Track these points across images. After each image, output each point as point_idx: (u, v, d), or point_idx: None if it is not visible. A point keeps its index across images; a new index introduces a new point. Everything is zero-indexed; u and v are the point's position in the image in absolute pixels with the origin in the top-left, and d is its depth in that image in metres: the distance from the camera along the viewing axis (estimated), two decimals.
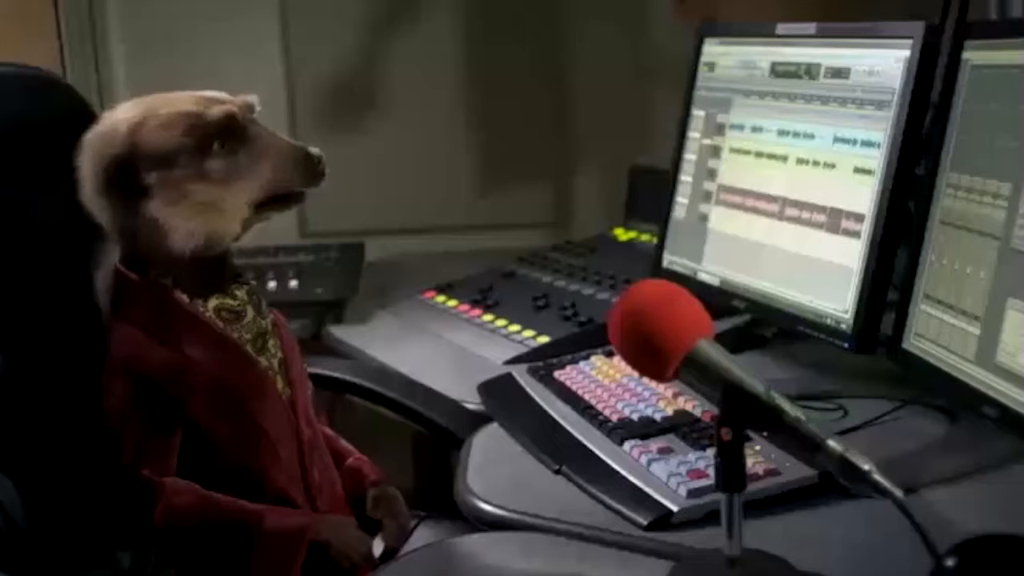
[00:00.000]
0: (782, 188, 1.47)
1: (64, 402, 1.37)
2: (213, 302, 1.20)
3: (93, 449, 1.36)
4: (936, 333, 1.22)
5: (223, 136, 1.17)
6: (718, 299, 1.51)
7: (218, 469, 1.17)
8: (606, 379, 1.39)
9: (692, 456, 1.15)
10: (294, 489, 1.20)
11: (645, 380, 1.34)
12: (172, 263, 1.19)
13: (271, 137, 1.20)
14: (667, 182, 1.69)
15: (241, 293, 1.23)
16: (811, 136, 1.43)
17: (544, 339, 1.67)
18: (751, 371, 0.91)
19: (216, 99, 1.20)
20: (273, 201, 1.21)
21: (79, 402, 1.37)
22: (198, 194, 1.16)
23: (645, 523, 1.07)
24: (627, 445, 1.20)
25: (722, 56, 1.62)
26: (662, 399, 1.30)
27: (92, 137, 1.20)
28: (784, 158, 1.47)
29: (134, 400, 1.17)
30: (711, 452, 1.14)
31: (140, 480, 1.15)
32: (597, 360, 1.46)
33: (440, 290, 1.96)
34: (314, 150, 1.20)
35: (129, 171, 1.16)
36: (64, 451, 1.37)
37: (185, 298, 1.19)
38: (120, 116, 1.20)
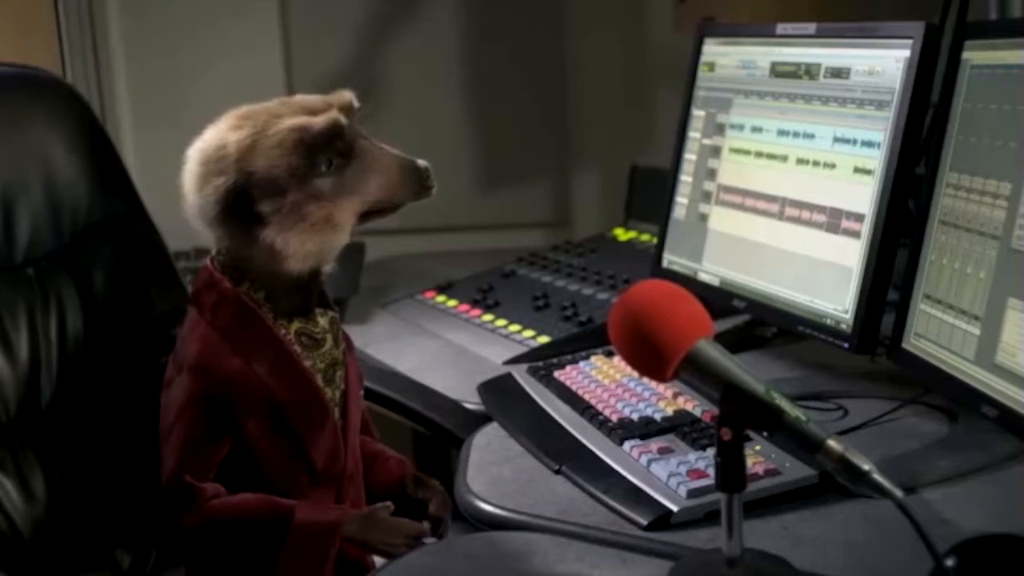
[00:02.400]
0: (782, 188, 1.47)
1: (90, 396, 1.38)
2: (296, 325, 1.18)
3: (118, 446, 1.37)
4: (936, 333, 1.22)
5: (330, 152, 1.14)
6: (718, 299, 1.51)
7: (252, 486, 1.16)
8: (606, 379, 1.39)
9: (692, 456, 1.15)
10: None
11: (645, 380, 1.34)
12: (274, 282, 1.17)
13: (378, 149, 1.18)
14: (667, 182, 1.69)
15: (324, 321, 1.21)
16: (811, 136, 1.43)
17: (544, 339, 1.67)
18: (751, 371, 0.91)
19: (317, 106, 1.16)
20: (375, 211, 1.19)
21: (105, 397, 1.37)
22: (312, 215, 1.14)
23: (645, 523, 1.07)
24: (627, 445, 1.20)
25: (722, 56, 1.62)
26: (662, 399, 1.30)
27: (200, 157, 1.16)
28: (784, 158, 1.47)
29: (196, 402, 1.15)
30: (711, 452, 1.14)
31: (181, 483, 1.14)
32: (597, 360, 1.46)
33: (440, 290, 1.96)
34: (422, 163, 1.18)
35: (244, 199, 1.13)
36: (89, 447, 1.37)
37: (271, 316, 1.17)
38: (227, 137, 1.15)
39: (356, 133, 1.17)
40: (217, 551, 1.18)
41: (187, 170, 1.16)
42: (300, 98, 1.19)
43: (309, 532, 1.14)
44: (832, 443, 0.86)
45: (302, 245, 1.15)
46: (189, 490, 1.14)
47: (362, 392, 1.28)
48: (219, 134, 1.16)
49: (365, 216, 1.19)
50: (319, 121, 1.14)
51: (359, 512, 1.18)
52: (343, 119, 1.15)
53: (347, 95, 1.19)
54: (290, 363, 1.16)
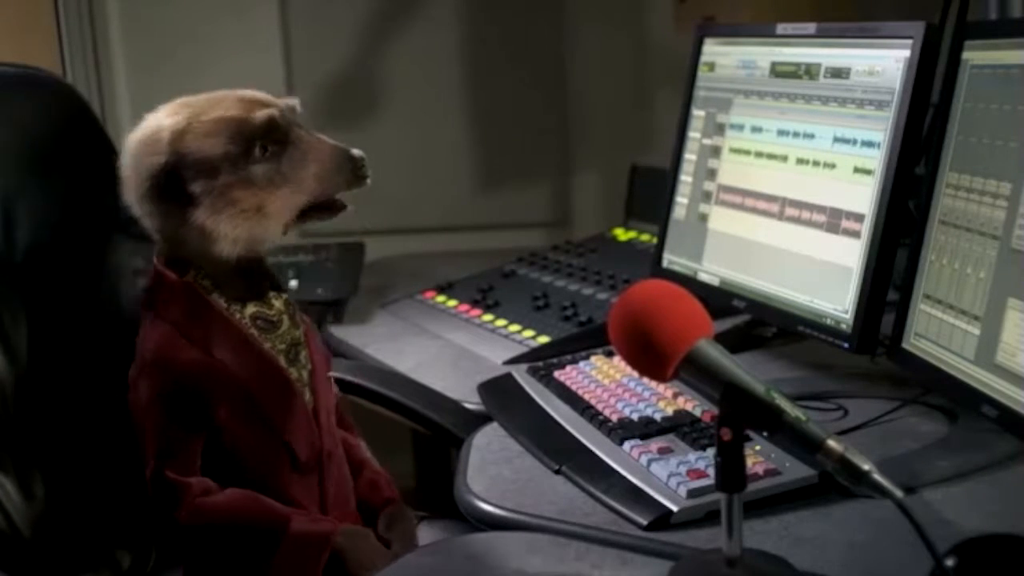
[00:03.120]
0: (782, 188, 1.47)
1: (90, 397, 1.38)
2: (250, 309, 1.20)
3: (117, 446, 1.37)
4: (936, 333, 1.22)
5: (266, 140, 1.16)
6: (718, 299, 1.51)
7: (234, 476, 1.17)
8: (606, 379, 1.39)
9: (692, 456, 1.15)
10: (308, 501, 1.20)
11: (645, 380, 1.34)
12: (214, 267, 1.19)
13: (313, 139, 1.19)
14: (667, 182, 1.69)
15: (279, 303, 1.23)
16: (811, 136, 1.43)
17: (544, 339, 1.67)
18: (751, 371, 0.91)
19: (259, 101, 1.19)
20: (316, 209, 1.21)
21: (105, 397, 1.37)
22: (243, 201, 1.16)
23: (645, 523, 1.07)
24: (627, 445, 1.20)
25: (722, 56, 1.62)
26: (662, 399, 1.30)
27: (136, 142, 1.19)
28: (784, 158, 1.47)
29: (161, 398, 1.17)
30: (711, 452, 1.14)
31: (164, 480, 1.15)
32: (597, 360, 1.46)
33: (440, 290, 1.96)
34: (356, 152, 1.20)
35: (175, 180, 1.15)
36: (89, 447, 1.37)
37: (223, 303, 1.19)
38: (164, 121, 1.18)
39: (293, 123, 1.19)
40: (210, 552, 1.19)
41: (123, 154, 1.20)
42: (245, 92, 1.21)
43: (303, 542, 1.15)
44: (832, 443, 0.86)
45: (232, 229, 1.16)
46: (173, 486, 1.15)
47: (331, 376, 1.29)
48: (156, 120, 1.19)
49: (306, 214, 1.20)
50: (259, 115, 1.17)
51: (351, 527, 1.20)
52: (280, 115, 1.18)
53: (292, 100, 1.22)
54: (248, 346, 1.18)
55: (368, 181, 1.20)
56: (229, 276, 1.20)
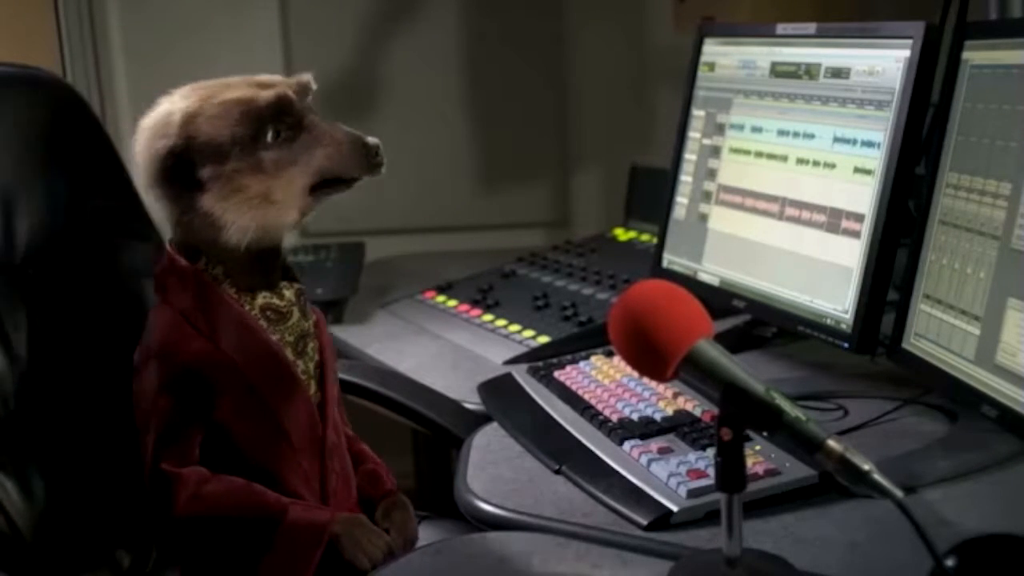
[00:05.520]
0: (782, 188, 1.47)
1: (90, 396, 1.38)
2: (260, 300, 1.18)
3: (117, 445, 1.37)
4: (936, 333, 1.22)
5: (276, 122, 1.15)
6: (718, 299, 1.51)
7: (235, 466, 1.16)
8: (606, 379, 1.39)
9: (692, 456, 1.15)
10: (309, 493, 1.19)
11: (645, 380, 1.34)
12: (225, 255, 1.17)
13: (326, 125, 1.17)
14: (667, 182, 1.69)
15: (289, 293, 1.21)
16: (811, 136, 1.43)
17: (544, 339, 1.67)
18: (751, 371, 0.91)
19: (269, 81, 1.18)
20: (328, 184, 1.18)
21: (105, 396, 1.37)
22: (252, 188, 1.14)
23: (645, 523, 1.07)
24: (627, 445, 1.20)
25: (722, 56, 1.62)
26: (662, 399, 1.30)
27: (147, 125, 1.17)
28: (784, 158, 1.47)
29: (164, 386, 1.16)
30: (711, 452, 1.14)
31: (159, 473, 1.14)
32: (597, 360, 1.46)
33: (440, 290, 1.96)
34: (371, 140, 1.17)
35: (184, 164, 1.14)
36: (89, 447, 1.37)
37: (233, 292, 1.17)
38: (175, 104, 1.17)
39: (306, 109, 1.18)
40: (206, 542, 1.18)
41: (136, 138, 1.18)
42: (258, 76, 1.20)
43: (299, 530, 1.14)
44: (832, 443, 0.86)
45: (239, 217, 1.15)
46: (168, 478, 1.14)
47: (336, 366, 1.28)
48: (168, 103, 1.18)
49: (316, 191, 1.18)
50: (266, 94, 1.15)
51: (348, 514, 1.19)
52: (292, 94, 1.16)
53: (305, 76, 1.21)
54: (255, 338, 1.16)
55: (383, 169, 1.18)
56: (241, 264, 1.18)
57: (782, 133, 1.48)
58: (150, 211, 1.21)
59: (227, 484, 1.15)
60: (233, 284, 1.18)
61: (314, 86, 1.20)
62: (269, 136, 1.14)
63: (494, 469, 1.25)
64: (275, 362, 1.18)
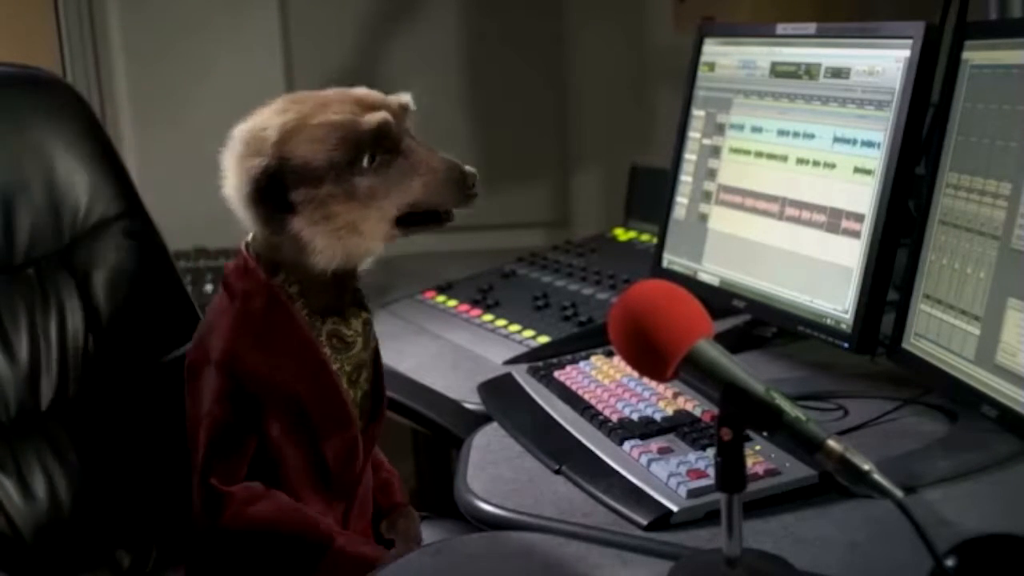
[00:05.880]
0: (782, 188, 1.47)
1: (90, 396, 1.38)
2: (329, 325, 1.17)
3: (117, 445, 1.36)
4: (936, 333, 1.22)
5: (375, 148, 1.11)
6: (718, 299, 1.51)
7: (268, 482, 1.15)
8: (606, 379, 1.39)
9: (692, 456, 1.15)
10: (331, 515, 1.18)
11: (645, 380, 1.34)
12: (305, 276, 1.15)
13: (424, 151, 1.14)
14: (667, 182, 1.69)
15: (357, 323, 1.19)
16: (811, 136, 1.43)
17: (544, 339, 1.67)
18: (751, 371, 0.91)
19: (370, 101, 1.13)
20: (420, 221, 1.16)
21: (105, 396, 1.37)
22: (342, 216, 1.11)
23: (645, 523, 1.07)
24: (627, 445, 1.20)
25: (722, 56, 1.62)
26: (662, 399, 1.30)
27: (240, 138, 1.14)
28: (784, 158, 1.47)
29: (223, 396, 1.13)
30: (711, 452, 1.14)
31: (208, 487, 1.13)
32: (597, 360, 1.46)
33: (440, 290, 1.96)
34: (469, 168, 1.15)
35: (277, 185, 1.10)
36: (89, 447, 1.37)
37: (304, 315, 1.15)
38: (270, 120, 1.12)
39: (404, 133, 1.14)
40: (248, 559, 1.16)
41: (228, 148, 1.14)
42: (357, 91, 1.16)
43: (346, 560, 1.13)
44: (832, 443, 0.86)
45: (327, 245, 1.12)
46: (218, 495, 1.12)
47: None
48: (264, 116, 1.14)
49: (407, 223, 1.15)
50: (369, 120, 1.11)
51: (397, 552, 1.18)
52: (391, 119, 1.12)
53: (404, 97, 1.17)
54: (318, 366, 1.15)
55: (475, 200, 1.16)
56: (317, 286, 1.15)
57: (782, 133, 1.48)
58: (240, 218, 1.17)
59: (276, 505, 1.13)
60: (306, 305, 1.16)
61: (413, 107, 1.17)
62: (365, 161, 1.11)
63: (494, 469, 1.25)
64: (333, 394, 1.16)
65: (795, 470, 1.11)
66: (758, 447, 1.15)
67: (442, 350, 1.73)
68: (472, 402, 1.49)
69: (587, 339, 1.62)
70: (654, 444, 1.19)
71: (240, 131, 1.14)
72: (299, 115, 1.12)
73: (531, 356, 1.61)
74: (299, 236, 1.12)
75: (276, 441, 1.14)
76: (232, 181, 1.14)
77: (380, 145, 1.11)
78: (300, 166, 1.10)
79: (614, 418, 1.27)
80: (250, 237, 1.18)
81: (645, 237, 2.03)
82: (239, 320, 1.15)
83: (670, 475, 1.11)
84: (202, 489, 1.13)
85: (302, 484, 1.16)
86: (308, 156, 1.10)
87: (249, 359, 1.13)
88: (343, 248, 1.13)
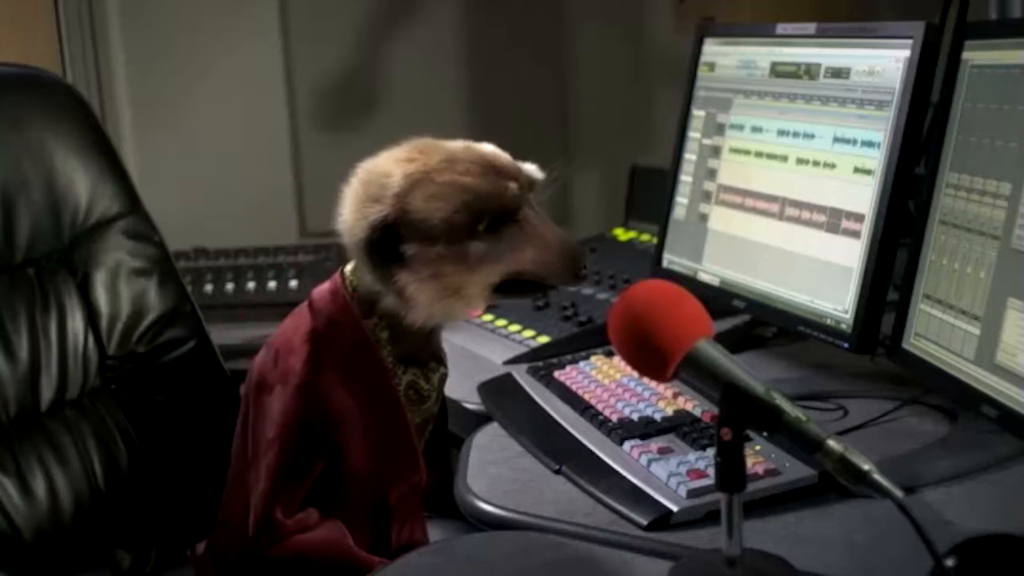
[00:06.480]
0: (782, 188, 1.47)
1: (90, 396, 1.38)
2: (408, 376, 1.17)
3: (117, 445, 1.36)
4: (936, 333, 1.22)
5: (494, 216, 1.10)
6: (718, 299, 1.51)
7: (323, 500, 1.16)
8: (606, 379, 1.39)
9: (692, 456, 1.15)
10: (361, 542, 1.19)
11: (645, 380, 1.34)
12: (398, 325, 1.15)
13: (538, 221, 1.12)
14: (667, 182, 1.69)
15: (435, 377, 1.20)
16: (811, 136, 1.43)
17: (544, 339, 1.67)
18: (751, 371, 0.91)
19: (498, 167, 1.12)
20: (521, 290, 1.15)
21: (105, 396, 1.37)
22: (449, 278, 1.10)
23: (645, 523, 1.07)
24: (627, 445, 1.20)
25: (722, 56, 1.62)
26: (662, 399, 1.30)
27: (363, 177, 1.13)
28: (784, 158, 1.47)
29: (295, 425, 1.13)
30: (711, 452, 1.14)
31: (271, 520, 1.13)
32: (597, 360, 1.46)
33: None
34: (581, 248, 1.15)
35: (392, 235, 1.09)
36: (89, 447, 1.37)
37: (389, 362, 1.16)
38: (396, 168, 1.11)
39: (525, 202, 1.12)
40: None
41: (350, 185, 1.14)
42: (486, 151, 1.14)
43: None
44: (832, 443, 0.86)
45: (429, 303, 1.11)
46: (276, 525, 1.12)
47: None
48: (390, 161, 1.13)
49: (507, 290, 1.14)
50: (495, 190, 1.10)
51: None
52: (518, 193, 1.11)
53: (533, 169, 1.15)
54: (396, 417, 1.15)
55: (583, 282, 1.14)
56: (406, 336, 1.16)
57: (782, 133, 1.48)
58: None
59: (323, 536, 1.14)
60: (392, 352, 1.16)
61: (540, 177, 1.15)
62: (482, 227, 1.10)
63: (494, 469, 1.25)
64: (406, 444, 1.17)
65: (795, 470, 1.11)
66: (758, 447, 1.15)
67: None
68: (472, 402, 1.49)
69: (587, 339, 1.62)
70: (654, 444, 1.19)
71: (364, 170, 1.13)
72: (424, 167, 1.11)
73: (531, 356, 1.61)
74: (403, 288, 1.11)
75: (340, 473, 1.15)
76: (347, 220, 1.13)
77: (500, 215, 1.10)
78: (418, 221, 1.09)
79: (614, 418, 1.27)
80: (349, 268, 1.17)
81: (645, 237, 2.03)
82: (324, 349, 1.14)
83: (670, 475, 1.11)
84: (263, 517, 1.13)
85: (356, 514, 1.17)
86: (428, 213, 1.09)
87: (332, 393, 1.13)
88: (443, 308, 1.13)
